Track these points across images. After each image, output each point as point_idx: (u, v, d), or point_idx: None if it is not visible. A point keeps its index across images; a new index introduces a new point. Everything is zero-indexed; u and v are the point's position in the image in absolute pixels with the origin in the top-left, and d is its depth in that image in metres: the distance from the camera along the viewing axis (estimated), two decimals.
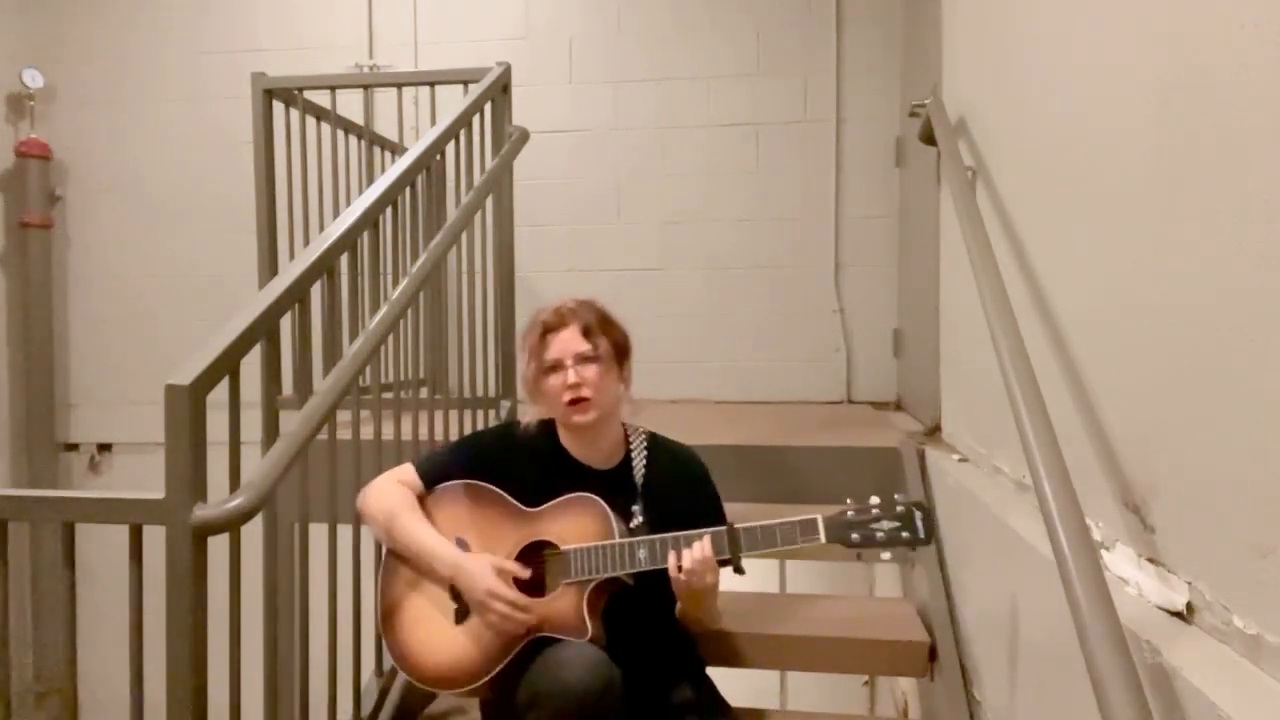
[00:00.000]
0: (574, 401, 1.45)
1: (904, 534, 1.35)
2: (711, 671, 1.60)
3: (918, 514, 1.35)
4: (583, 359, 1.46)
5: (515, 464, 1.52)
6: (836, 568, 3.43)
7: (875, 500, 1.39)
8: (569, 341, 1.47)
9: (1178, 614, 0.95)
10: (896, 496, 1.39)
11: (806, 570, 3.29)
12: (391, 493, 1.49)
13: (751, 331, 3.55)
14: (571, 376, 1.45)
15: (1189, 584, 0.94)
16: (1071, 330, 1.32)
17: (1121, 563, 1.11)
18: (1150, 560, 1.03)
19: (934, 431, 2.37)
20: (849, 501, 1.40)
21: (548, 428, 1.56)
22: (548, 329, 1.49)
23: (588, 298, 1.56)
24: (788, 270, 3.53)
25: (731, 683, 1.62)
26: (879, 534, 1.35)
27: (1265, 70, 0.81)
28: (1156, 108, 1.04)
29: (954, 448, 2.13)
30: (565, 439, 1.55)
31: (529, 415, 1.56)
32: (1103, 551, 1.16)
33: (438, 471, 1.53)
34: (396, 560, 1.50)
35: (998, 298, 1.30)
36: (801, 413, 3.16)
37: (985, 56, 1.87)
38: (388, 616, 1.48)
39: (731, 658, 1.74)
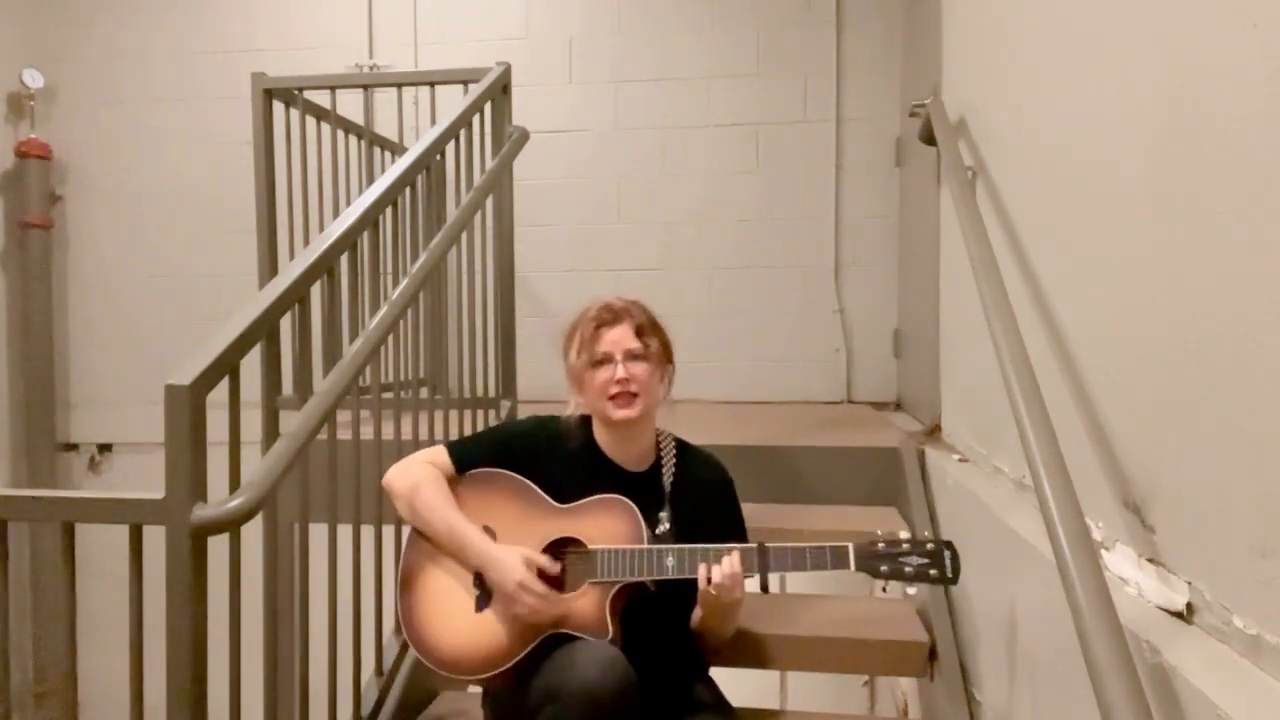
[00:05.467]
0: (618, 396, 1.46)
1: (932, 571, 1.36)
2: (712, 671, 1.60)
3: (947, 554, 1.36)
4: (633, 356, 1.48)
5: (548, 458, 1.53)
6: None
7: (905, 535, 1.41)
8: (621, 337, 1.48)
9: (1178, 614, 0.95)
10: (926, 534, 1.41)
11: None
12: (420, 471, 1.50)
13: (752, 331, 3.55)
14: (621, 371, 1.46)
15: (1189, 584, 0.94)
16: (1071, 330, 1.32)
17: (1121, 563, 1.11)
18: (1150, 560, 1.04)
19: (934, 431, 2.37)
20: (879, 532, 1.41)
21: (584, 424, 1.57)
22: (601, 323, 1.49)
23: (637, 298, 1.57)
24: (788, 270, 3.53)
25: (732, 683, 1.62)
26: (907, 568, 1.36)
27: (1264, 71, 0.81)
28: (1156, 107, 1.04)
29: (954, 448, 2.13)
30: (601, 437, 1.55)
31: (570, 408, 1.56)
32: (1103, 551, 1.16)
33: (470, 457, 1.53)
34: (422, 539, 1.50)
35: (998, 298, 1.30)
36: (802, 413, 3.16)
37: (985, 56, 1.87)
38: (406, 595, 1.48)
39: (732, 658, 1.74)
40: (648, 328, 1.51)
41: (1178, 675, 0.83)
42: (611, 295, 1.56)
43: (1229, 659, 0.84)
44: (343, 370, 1.45)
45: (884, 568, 1.37)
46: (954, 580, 1.36)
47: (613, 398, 1.47)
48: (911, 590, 1.41)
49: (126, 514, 1.08)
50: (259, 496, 1.14)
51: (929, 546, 1.37)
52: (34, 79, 3.82)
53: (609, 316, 1.50)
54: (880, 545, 1.38)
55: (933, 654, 1.75)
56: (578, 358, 1.49)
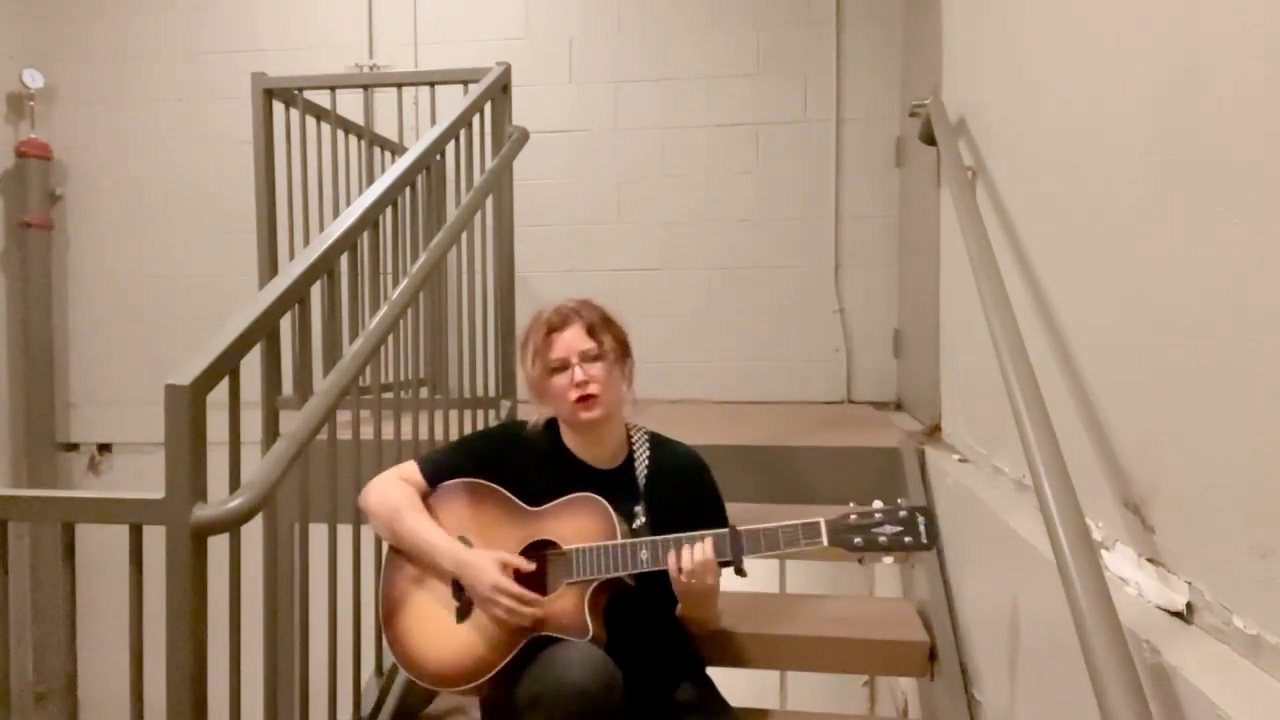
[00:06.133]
0: (582, 399, 1.46)
1: (906, 539, 1.35)
2: (711, 671, 1.60)
3: (921, 518, 1.35)
4: (588, 357, 1.47)
5: (518, 463, 1.53)
6: (836, 568, 3.43)
7: (878, 504, 1.40)
8: (574, 340, 1.48)
9: (1178, 614, 0.95)
10: (900, 501, 1.40)
11: (806, 570, 3.29)
12: (394, 489, 1.50)
13: (752, 331, 3.55)
14: (578, 374, 1.46)
15: (1189, 584, 0.94)
16: (1071, 330, 1.32)
17: (1121, 563, 1.11)
18: (1150, 560, 1.03)
19: (934, 431, 2.37)
20: (851, 505, 1.40)
21: (551, 427, 1.57)
22: (552, 329, 1.49)
23: (587, 297, 1.56)
24: (788, 270, 3.53)
25: (731, 683, 1.62)
26: (881, 538, 1.35)
27: (1264, 70, 0.81)
28: (1156, 106, 1.04)
29: (954, 448, 2.13)
30: (569, 438, 1.55)
31: (534, 416, 1.56)
32: (1103, 551, 1.16)
33: (441, 469, 1.53)
34: (399, 557, 1.50)
35: (998, 298, 1.30)
36: (801, 413, 3.16)
37: (985, 56, 1.87)
38: (389, 614, 1.48)
39: (731, 658, 1.74)
40: (599, 325, 1.50)
41: (1178, 675, 0.83)
42: (561, 298, 1.56)
43: (1229, 659, 0.84)
44: (343, 370, 1.45)
45: (858, 540, 1.36)
46: (929, 546, 1.35)
47: (576, 401, 1.46)
48: (888, 560, 1.40)
49: (126, 514, 1.08)
50: (259, 496, 1.14)
51: (902, 514, 1.36)
52: (34, 79, 3.82)
53: (558, 320, 1.49)
54: (853, 517, 1.38)
55: (933, 654, 1.75)
56: (534, 367, 1.49)
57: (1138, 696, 0.74)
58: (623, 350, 1.54)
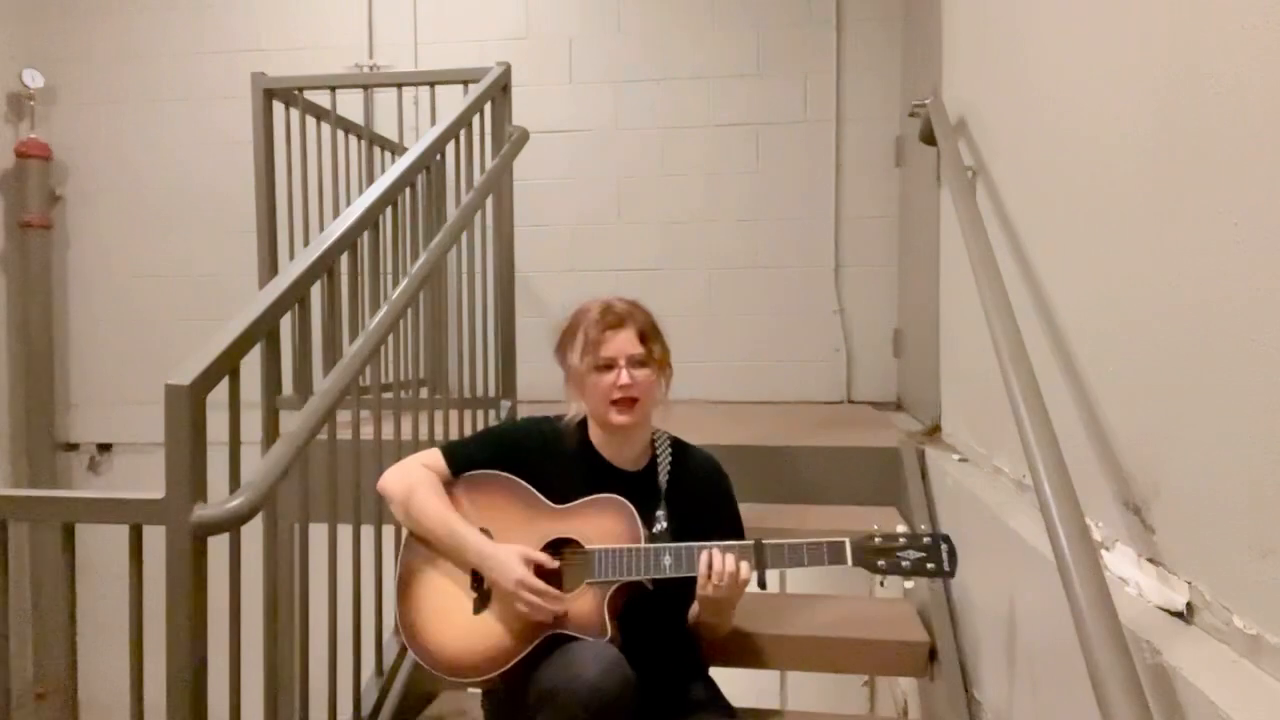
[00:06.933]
0: (620, 401, 1.46)
1: (929, 565, 1.36)
2: (712, 672, 1.60)
3: (944, 547, 1.37)
4: (635, 362, 1.47)
5: (544, 458, 1.53)
6: (836, 567, 3.43)
7: (902, 529, 1.42)
8: (626, 343, 1.48)
9: (1178, 614, 0.95)
10: (923, 528, 1.40)
11: (806, 570, 3.29)
12: (416, 474, 1.49)
13: (752, 331, 3.55)
14: (624, 377, 1.45)
15: (1189, 584, 0.94)
16: (1071, 330, 1.32)
17: (1121, 563, 1.11)
18: (1150, 560, 1.04)
19: (934, 431, 2.37)
20: (876, 527, 1.41)
21: (579, 425, 1.57)
22: (607, 326, 1.48)
23: (635, 299, 1.56)
24: (788, 270, 3.53)
25: (732, 683, 1.62)
26: (904, 563, 1.37)
27: (1265, 70, 0.81)
28: (1157, 107, 1.04)
29: (954, 448, 2.13)
30: (596, 438, 1.55)
31: (570, 411, 1.56)
32: (1103, 551, 1.16)
33: (465, 459, 1.53)
34: (417, 542, 1.50)
35: (998, 298, 1.30)
36: (801, 413, 3.16)
37: (985, 56, 1.87)
38: (404, 598, 1.48)
39: (732, 658, 1.74)
40: (650, 333, 1.51)
41: (1178, 675, 0.83)
42: (609, 295, 1.55)
43: (1229, 659, 0.84)
44: (343, 370, 1.45)
45: (881, 562, 1.38)
46: (951, 573, 1.37)
47: (614, 403, 1.46)
48: (909, 584, 1.41)
49: (126, 514, 1.08)
50: (259, 496, 1.14)
51: (925, 540, 1.38)
52: (34, 79, 3.82)
53: (614, 320, 1.49)
54: (877, 540, 1.39)
55: (933, 654, 1.75)
56: (581, 361, 1.48)
57: (1138, 696, 0.74)
58: (666, 359, 1.55)
